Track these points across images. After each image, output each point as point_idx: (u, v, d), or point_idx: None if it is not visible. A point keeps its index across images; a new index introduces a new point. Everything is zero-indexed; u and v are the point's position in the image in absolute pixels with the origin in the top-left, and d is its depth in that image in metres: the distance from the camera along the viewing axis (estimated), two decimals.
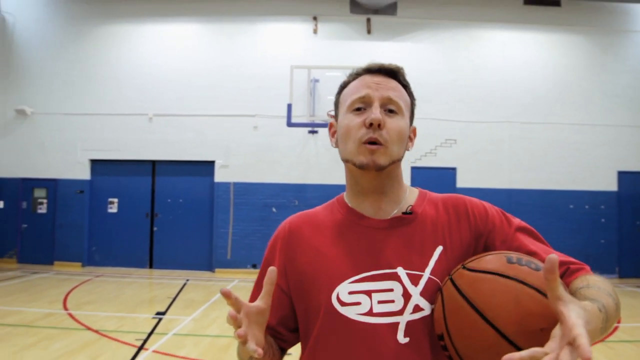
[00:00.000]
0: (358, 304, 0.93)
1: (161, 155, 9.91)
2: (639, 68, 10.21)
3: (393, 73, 1.02)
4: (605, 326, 0.76)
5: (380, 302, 0.93)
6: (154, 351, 4.32)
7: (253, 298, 0.95)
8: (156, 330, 5.04)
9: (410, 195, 1.06)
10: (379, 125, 0.94)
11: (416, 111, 1.08)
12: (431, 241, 0.99)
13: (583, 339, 0.60)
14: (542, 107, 9.97)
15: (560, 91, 10.05)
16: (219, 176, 9.84)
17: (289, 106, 8.07)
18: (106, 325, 5.18)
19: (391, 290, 0.93)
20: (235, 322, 0.80)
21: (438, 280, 0.94)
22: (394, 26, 9.97)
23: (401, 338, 0.91)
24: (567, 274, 0.92)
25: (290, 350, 1.09)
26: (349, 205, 1.05)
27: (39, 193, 10.07)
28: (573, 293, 0.82)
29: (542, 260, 0.81)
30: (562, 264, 0.91)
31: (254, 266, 9.46)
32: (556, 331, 0.65)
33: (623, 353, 4.54)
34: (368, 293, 0.94)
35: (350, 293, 0.94)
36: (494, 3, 10.06)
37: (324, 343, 0.95)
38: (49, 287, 7.50)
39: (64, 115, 9.91)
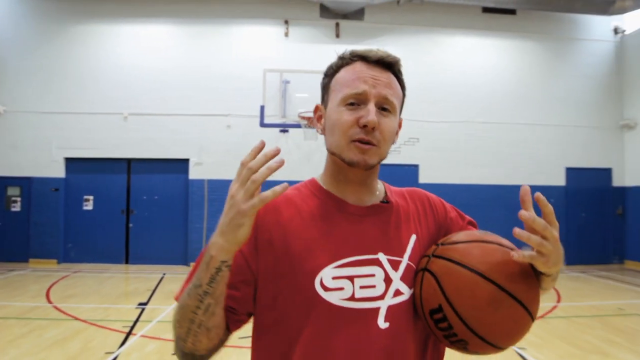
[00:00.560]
0: (341, 289, 0.93)
1: (136, 154, 10.15)
2: (586, 73, 11.11)
3: (390, 65, 1.01)
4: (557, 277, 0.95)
5: (362, 287, 0.93)
6: (141, 336, 4.73)
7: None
8: (141, 319, 5.44)
9: (380, 186, 1.09)
10: (373, 128, 0.94)
11: None
12: (405, 229, 1.02)
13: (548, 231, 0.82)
14: (498, 108, 10.74)
15: (515, 94, 10.84)
16: (194, 173, 10.17)
17: (262, 108, 8.49)
18: (93, 316, 5.52)
19: (372, 275, 0.95)
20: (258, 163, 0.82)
21: (414, 266, 0.98)
22: (362, 31, 10.52)
23: (382, 323, 0.92)
24: None
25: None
26: (328, 190, 1.04)
27: (13, 191, 10.15)
28: None
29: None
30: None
31: None
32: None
33: (557, 327, 5.26)
34: (351, 278, 0.94)
35: (334, 278, 0.93)
36: (455, 10, 10.73)
37: (303, 327, 0.92)
38: (29, 283, 7.72)
39: (38, 114, 10.00)
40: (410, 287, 0.96)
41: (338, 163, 1.01)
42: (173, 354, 0.95)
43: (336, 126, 0.97)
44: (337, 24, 10.49)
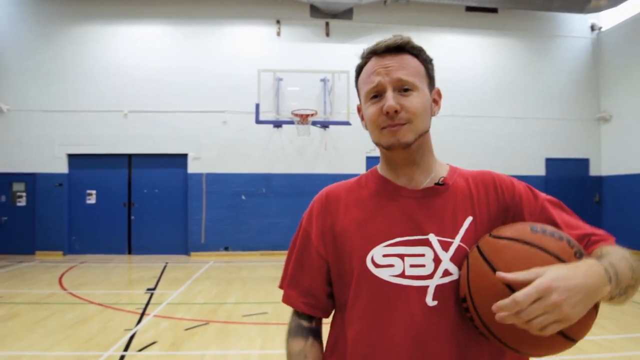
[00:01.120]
0: (391, 266, 0.98)
1: (137, 149, 10.60)
2: (564, 68, 11.69)
3: (400, 48, 1.03)
4: (632, 284, 0.87)
5: (412, 265, 0.98)
6: (154, 315, 5.25)
7: (294, 276, 1.11)
8: (151, 302, 5.95)
9: (441, 168, 1.11)
10: (395, 111, 0.98)
11: None
12: (462, 211, 1.03)
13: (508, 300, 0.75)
14: (482, 102, 11.31)
15: (498, 88, 11.41)
16: (192, 168, 10.66)
17: (257, 106, 8.95)
18: (107, 300, 6.03)
19: (422, 255, 0.98)
20: None
21: (467, 248, 0.99)
22: (351, 30, 11.00)
23: (430, 301, 0.96)
24: (587, 245, 0.97)
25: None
26: (384, 176, 1.10)
27: (18, 187, 10.58)
28: None
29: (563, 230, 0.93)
30: (584, 236, 0.99)
31: (226, 249, 10.43)
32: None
33: None
34: (401, 257, 0.99)
35: (385, 256, 0.99)
36: (440, 9, 11.23)
37: (357, 303, 1.01)
38: (39, 273, 8.19)
39: (41, 112, 10.41)
40: (459, 269, 0.98)
41: (383, 151, 1.08)
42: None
43: (368, 120, 1.05)
44: (327, 24, 10.96)
